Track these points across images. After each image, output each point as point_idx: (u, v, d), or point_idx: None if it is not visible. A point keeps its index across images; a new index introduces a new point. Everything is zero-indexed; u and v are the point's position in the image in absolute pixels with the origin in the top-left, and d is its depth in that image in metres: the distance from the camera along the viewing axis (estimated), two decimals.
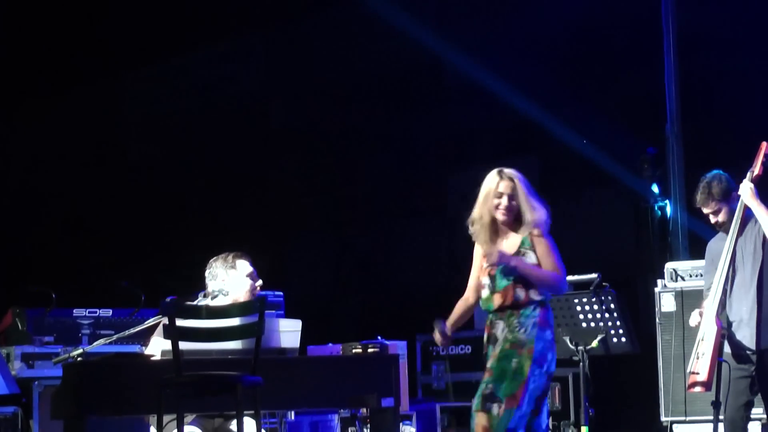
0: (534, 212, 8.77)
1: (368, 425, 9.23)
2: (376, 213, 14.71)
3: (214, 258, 9.31)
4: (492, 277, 8.78)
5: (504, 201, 8.74)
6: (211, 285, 9.27)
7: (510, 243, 8.84)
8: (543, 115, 13.59)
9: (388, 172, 14.90)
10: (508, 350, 8.60)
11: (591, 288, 10.50)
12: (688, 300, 10.80)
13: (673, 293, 11.06)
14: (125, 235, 13.85)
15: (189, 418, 8.75)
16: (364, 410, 9.28)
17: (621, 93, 13.51)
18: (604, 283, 10.47)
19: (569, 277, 10.74)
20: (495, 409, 8.44)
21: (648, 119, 12.89)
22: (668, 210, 12.42)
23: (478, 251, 8.99)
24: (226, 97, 14.72)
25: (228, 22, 14.62)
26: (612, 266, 11.86)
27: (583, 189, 14.23)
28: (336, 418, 10.89)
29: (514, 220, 8.83)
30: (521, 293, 8.66)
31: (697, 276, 10.85)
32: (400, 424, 9.83)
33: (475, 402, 8.60)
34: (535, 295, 8.65)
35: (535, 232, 8.78)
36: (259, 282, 9.31)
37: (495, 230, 8.89)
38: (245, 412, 8.11)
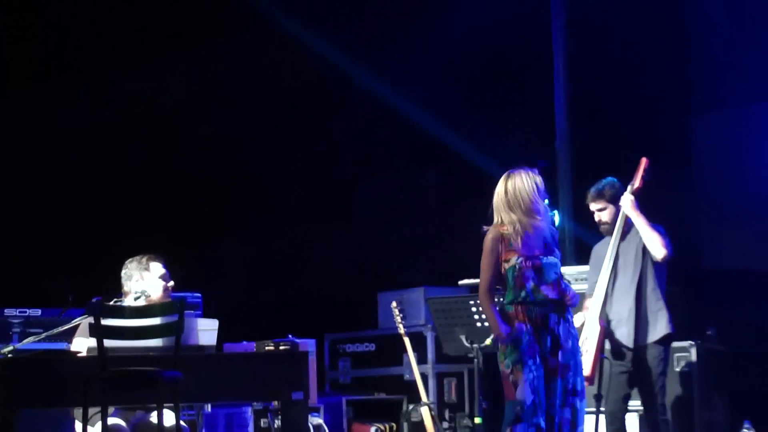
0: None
1: (279, 417, 9.27)
2: (287, 219, 14.73)
3: (129, 260, 9.31)
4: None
5: None
6: (127, 285, 9.26)
7: None
8: (444, 130, 13.66)
9: (300, 180, 14.92)
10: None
11: None
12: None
13: None
14: (52, 238, 13.78)
15: (111, 410, 8.79)
16: (276, 403, 9.31)
17: (515, 110, 13.59)
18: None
19: (467, 281, 10.93)
20: (578, 403, 8.57)
21: (539, 135, 13.02)
22: (557, 219, 12.59)
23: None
24: (147, 108, 14.65)
25: (147, 40, 14.51)
26: None
27: (479, 199, 14.31)
28: (249, 410, 10.89)
29: None
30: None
31: (583, 280, 10.95)
32: (309, 415, 9.89)
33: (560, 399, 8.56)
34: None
35: None
36: (171, 283, 9.31)
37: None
38: (165, 405, 8.15)
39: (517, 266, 8.63)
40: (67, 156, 14.35)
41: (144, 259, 9.34)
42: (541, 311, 8.59)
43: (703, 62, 12.95)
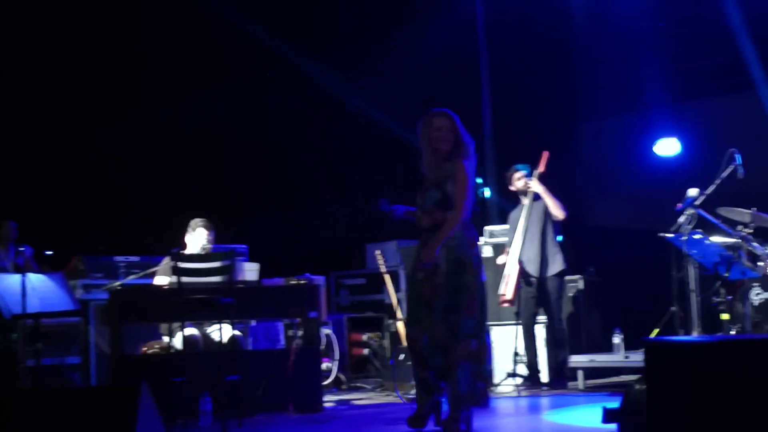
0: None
1: (301, 328, 9.31)
2: (305, 194, 14.61)
3: (192, 221, 9.41)
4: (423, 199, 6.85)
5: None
6: (186, 239, 9.36)
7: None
8: (407, 133, 13.60)
9: (313, 167, 14.86)
10: (455, 268, 6.63)
11: None
12: (498, 249, 10.85)
13: (491, 245, 11.09)
14: (145, 207, 13.68)
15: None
16: (299, 320, 9.37)
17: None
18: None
19: None
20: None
21: (473, 137, 13.04)
22: (487, 193, 12.62)
23: None
24: (224, 117, 14.43)
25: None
26: None
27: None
28: (281, 324, 11.00)
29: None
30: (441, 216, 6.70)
31: (503, 234, 10.96)
32: (321, 327, 9.99)
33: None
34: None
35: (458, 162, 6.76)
36: (208, 245, 9.30)
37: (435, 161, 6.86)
38: (224, 321, 8.26)
39: None
40: (161, 155, 14.20)
41: (193, 224, 9.39)
42: None
43: (584, 86, 12.98)
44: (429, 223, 6.79)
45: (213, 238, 9.39)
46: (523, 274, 10.11)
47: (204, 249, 9.26)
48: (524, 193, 10.32)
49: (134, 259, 10.98)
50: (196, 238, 9.31)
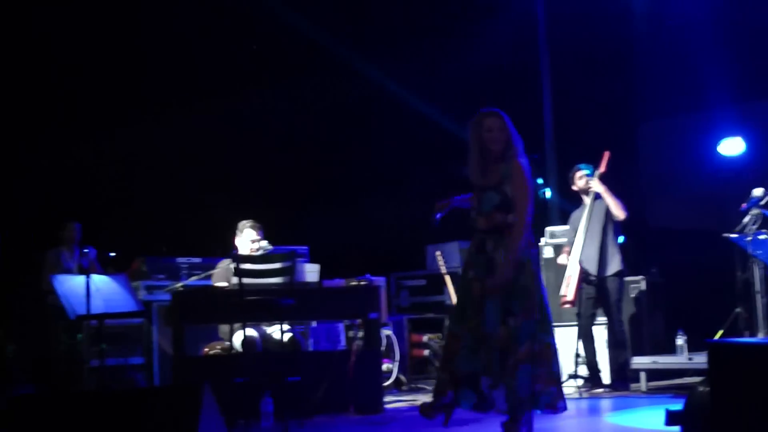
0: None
1: (362, 330, 9.33)
2: (367, 197, 14.57)
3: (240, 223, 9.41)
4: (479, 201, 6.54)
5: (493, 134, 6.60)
6: (237, 239, 9.35)
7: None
8: (467, 135, 13.53)
9: (372, 169, 14.89)
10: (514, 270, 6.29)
11: None
12: (558, 249, 10.83)
13: (551, 246, 11.09)
14: (206, 212, 13.70)
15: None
16: (359, 321, 9.38)
17: (517, 121, 13.54)
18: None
19: None
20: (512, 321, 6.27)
21: (534, 136, 12.97)
22: (548, 194, 12.59)
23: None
24: (271, 119, 14.40)
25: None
26: None
27: None
28: (342, 325, 11.02)
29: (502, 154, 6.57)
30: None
31: (563, 235, 10.92)
32: (382, 329, 10.00)
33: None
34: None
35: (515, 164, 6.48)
36: (256, 246, 9.27)
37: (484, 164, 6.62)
38: (284, 322, 8.30)
39: None
40: (214, 155, 14.23)
41: (241, 225, 9.39)
42: None
43: (646, 84, 12.89)
44: (487, 226, 6.49)
45: (262, 236, 9.37)
46: (582, 273, 10.05)
47: (262, 249, 9.29)
48: (586, 192, 10.27)
49: (196, 260, 11.06)
50: (245, 239, 9.33)
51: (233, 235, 9.42)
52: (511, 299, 6.31)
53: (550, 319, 6.44)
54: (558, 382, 6.38)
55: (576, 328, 10.16)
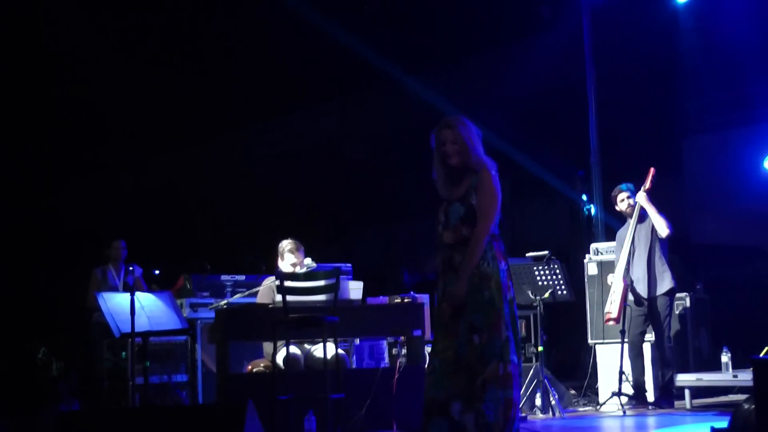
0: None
1: (405, 347, 9.32)
2: (406, 219, 14.61)
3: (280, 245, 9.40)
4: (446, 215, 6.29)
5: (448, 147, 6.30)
6: (279, 263, 9.31)
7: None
8: (513, 150, 13.59)
9: (412, 190, 14.92)
10: (478, 283, 6.04)
11: (544, 260, 10.39)
12: (604, 267, 10.86)
13: (596, 263, 11.08)
14: (250, 232, 13.79)
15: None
16: (403, 338, 9.37)
17: (562, 137, 13.51)
18: (552, 257, 10.55)
19: (531, 254, 10.86)
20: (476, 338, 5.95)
21: (579, 153, 12.94)
22: (593, 210, 12.55)
23: None
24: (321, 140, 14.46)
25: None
26: (558, 246, 11.96)
27: (539, 198, 14.22)
28: (385, 342, 10.97)
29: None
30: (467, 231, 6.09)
31: (609, 252, 10.96)
32: (425, 346, 9.99)
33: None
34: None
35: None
36: (298, 268, 9.25)
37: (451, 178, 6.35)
38: (328, 339, 8.29)
39: None
40: (263, 179, 14.28)
41: (280, 248, 9.36)
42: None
43: (691, 99, 12.86)
44: (454, 239, 6.16)
45: (303, 254, 9.36)
46: (632, 294, 10.02)
47: (306, 267, 9.31)
48: (630, 213, 10.25)
49: (240, 278, 11.08)
50: (286, 264, 9.32)
51: (276, 254, 9.45)
52: (474, 313, 5.98)
53: (519, 338, 6.09)
54: (517, 406, 5.95)
55: (619, 345, 10.11)
